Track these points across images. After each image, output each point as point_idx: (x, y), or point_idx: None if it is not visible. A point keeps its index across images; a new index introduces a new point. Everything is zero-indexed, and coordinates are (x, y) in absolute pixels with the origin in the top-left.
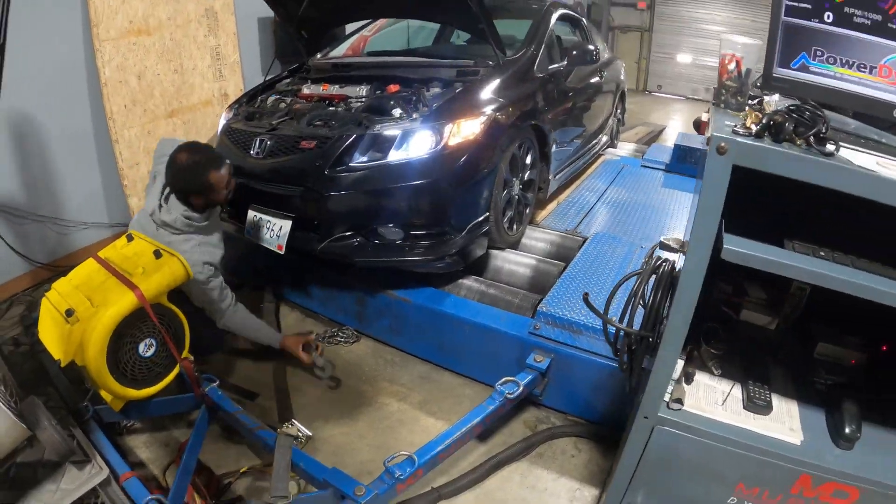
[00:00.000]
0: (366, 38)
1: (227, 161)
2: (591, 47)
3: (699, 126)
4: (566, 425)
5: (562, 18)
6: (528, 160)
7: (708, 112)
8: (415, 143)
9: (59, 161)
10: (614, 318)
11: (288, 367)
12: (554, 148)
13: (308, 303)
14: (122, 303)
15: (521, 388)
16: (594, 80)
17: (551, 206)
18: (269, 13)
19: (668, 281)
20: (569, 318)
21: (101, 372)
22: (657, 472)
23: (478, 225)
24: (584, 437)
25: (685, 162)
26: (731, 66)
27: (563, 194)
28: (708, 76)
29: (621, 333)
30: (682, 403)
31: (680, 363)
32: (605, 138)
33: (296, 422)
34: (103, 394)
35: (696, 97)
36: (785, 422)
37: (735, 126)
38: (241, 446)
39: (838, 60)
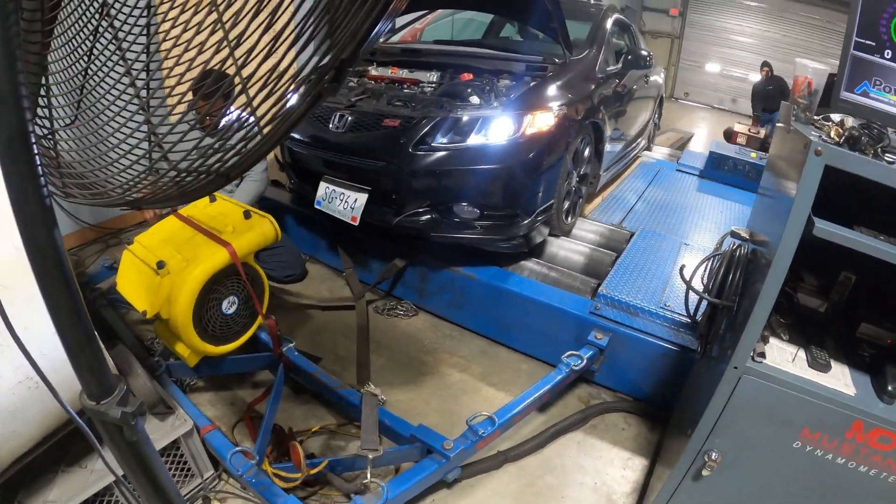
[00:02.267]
0: (418, 29)
1: None
2: (644, 52)
3: (731, 136)
4: (617, 401)
5: (615, 23)
6: (586, 154)
7: (740, 123)
8: (494, 130)
9: None
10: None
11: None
12: (607, 145)
13: (367, 277)
14: (215, 258)
15: (584, 362)
16: (640, 84)
17: (597, 201)
18: None
19: (745, 261)
20: (627, 301)
21: (187, 325)
22: (738, 418)
23: (543, 211)
24: (633, 412)
25: (719, 168)
26: (804, 87)
27: (607, 191)
28: (734, 87)
29: (702, 304)
30: (764, 357)
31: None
32: (644, 141)
33: (372, 385)
34: (179, 349)
35: (721, 107)
36: (840, 379)
37: (820, 136)
38: (308, 406)
39: (893, 90)
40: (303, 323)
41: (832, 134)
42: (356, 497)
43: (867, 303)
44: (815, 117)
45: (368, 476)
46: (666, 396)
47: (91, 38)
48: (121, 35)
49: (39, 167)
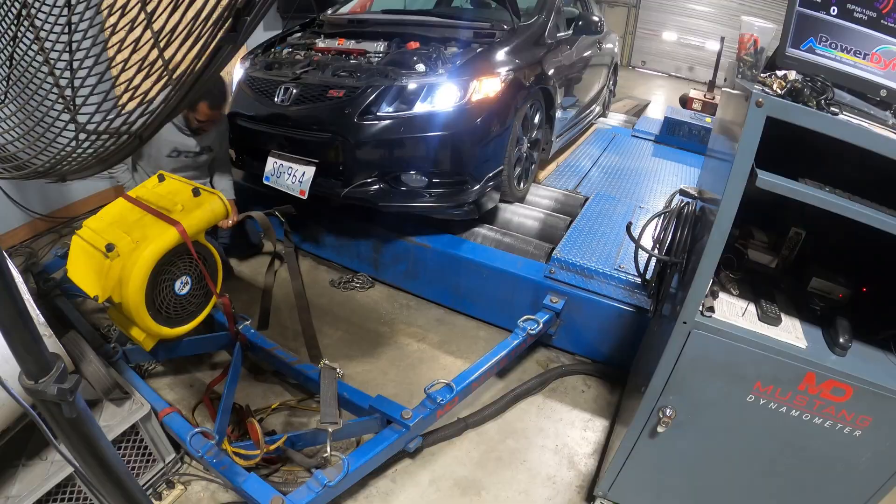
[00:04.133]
0: None
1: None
2: (595, 18)
3: (686, 102)
4: (575, 364)
5: None
6: (537, 120)
7: (695, 89)
8: (440, 97)
9: None
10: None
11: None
12: (558, 111)
13: (320, 251)
14: (164, 238)
15: (541, 326)
16: (593, 50)
17: (551, 168)
18: None
19: (693, 219)
20: (581, 264)
21: (139, 308)
22: (690, 374)
23: (492, 177)
24: (592, 374)
25: (674, 134)
26: (749, 45)
27: (562, 157)
28: (691, 55)
29: (652, 262)
30: (713, 312)
31: (710, 280)
32: (598, 108)
33: (326, 360)
34: (135, 333)
35: (678, 75)
36: (792, 332)
37: (764, 89)
38: (266, 384)
39: (839, 46)
40: (258, 301)
41: (775, 87)
42: (317, 471)
43: (818, 258)
44: (762, 75)
45: (328, 450)
46: (623, 357)
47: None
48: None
49: None
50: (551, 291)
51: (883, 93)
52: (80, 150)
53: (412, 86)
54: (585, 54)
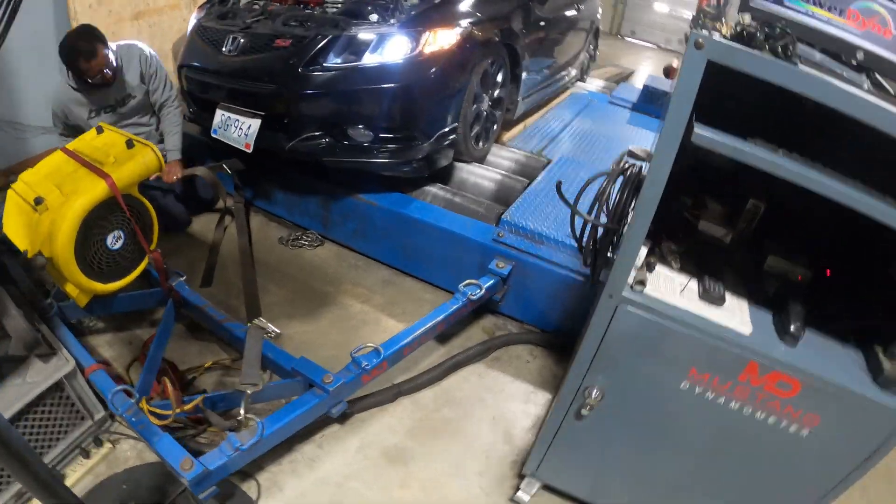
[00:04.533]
0: None
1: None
2: None
3: (669, 72)
4: (522, 333)
5: None
6: (499, 78)
7: (678, 60)
8: (390, 48)
9: (18, 61)
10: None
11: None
12: (524, 71)
13: (272, 207)
14: (93, 191)
15: (483, 291)
16: (570, 12)
17: (518, 129)
18: None
19: (635, 183)
20: (531, 229)
21: (69, 263)
22: (617, 354)
23: (445, 134)
24: (538, 344)
25: (652, 103)
26: None
27: (531, 119)
28: (682, 28)
29: (588, 227)
30: (644, 286)
31: (643, 252)
32: (574, 72)
33: (263, 319)
34: (69, 289)
35: (668, 47)
36: (736, 315)
37: (710, 34)
38: (203, 342)
39: None
40: (229, 256)
41: (723, 31)
42: (230, 434)
43: (779, 235)
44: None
45: (242, 412)
46: (573, 327)
47: None
48: None
49: None
50: (498, 255)
51: (860, 55)
52: None
53: (361, 36)
54: (561, 14)
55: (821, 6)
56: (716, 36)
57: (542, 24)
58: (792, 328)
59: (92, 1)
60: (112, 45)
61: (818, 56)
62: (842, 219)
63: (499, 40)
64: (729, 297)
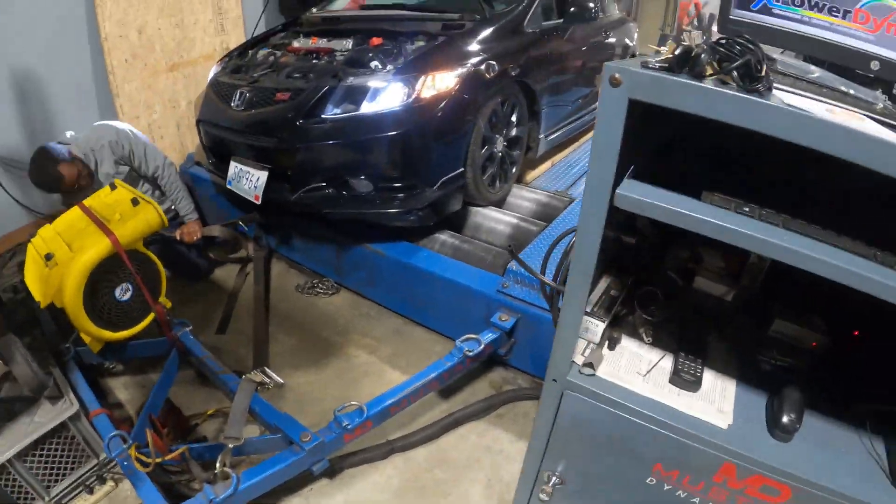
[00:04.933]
0: None
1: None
2: (591, 4)
3: None
4: (530, 388)
5: None
6: (514, 118)
7: None
8: (387, 96)
9: (60, 114)
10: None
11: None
12: (545, 107)
13: (292, 254)
14: (96, 248)
15: (483, 347)
16: (598, 39)
17: (544, 167)
18: None
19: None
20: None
21: (78, 314)
22: (571, 443)
23: (451, 180)
24: None
25: None
26: (691, 10)
27: (559, 156)
28: None
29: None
30: (593, 369)
31: (601, 326)
32: None
33: (267, 369)
34: (83, 335)
35: None
36: (714, 402)
37: (648, 61)
38: (210, 390)
39: (806, 2)
40: (245, 305)
41: (665, 56)
42: (206, 485)
43: (788, 297)
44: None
45: (218, 465)
46: None
47: None
48: None
49: None
50: (503, 307)
51: (875, 65)
52: None
53: (358, 85)
54: (586, 44)
55: (818, 9)
56: (652, 62)
57: (563, 56)
58: (784, 419)
59: (127, 55)
60: (72, 143)
61: (816, 73)
62: None
63: (510, 78)
64: (711, 377)
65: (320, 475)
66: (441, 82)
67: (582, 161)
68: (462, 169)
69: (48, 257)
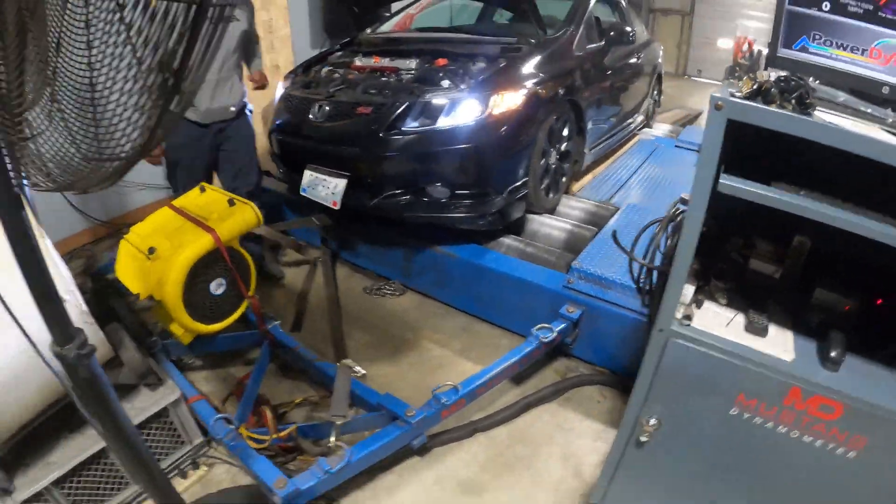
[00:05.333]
0: (411, 15)
1: None
2: (628, 29)
3: None
4: (593, 374)
5: (599, 1)
6: (565, 133)
7: None
8: (462, 111)
9: None
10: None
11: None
12: (590, 123)
13: (356, 259)
14: (199, 243)
15: (555, 334)
16: (631, 60)
17: (587, 179)
18: None
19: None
20: (600, 275)
21: (177, 306)
22: (670, 384)
23: (516, 189)
24: (608, 385)
25: None
26: (745, 48)
27: (599, 168)
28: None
29: (643, 271)
30: (690, 320)
31: (691, 290)
32: (640, 118)
33: (349, 360)
34: (174, 328)
35: None
36: (779, 344)
37: (733, 91)
38: (294, 382)
39: (834, 43)
40: (318, 303)
41: (744, 89)
42: (321, 458)
43: (830, 270)
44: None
45: (333, 440)
46: None
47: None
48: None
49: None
50: (569, 301)
51: (885, 90)
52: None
53: (435, 101)
54: (621, 64)
55: (844, 48)
56: (736, 93)
57: (604, 76)
58: (833, 354)
59: None
60: None
61: (842, 97)
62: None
63: (562, 96)
64: (773, 329)
65: (411, 454)
66: (509, 100)
67: (619, 174)
68: (526, 178)
69: (151, 251)
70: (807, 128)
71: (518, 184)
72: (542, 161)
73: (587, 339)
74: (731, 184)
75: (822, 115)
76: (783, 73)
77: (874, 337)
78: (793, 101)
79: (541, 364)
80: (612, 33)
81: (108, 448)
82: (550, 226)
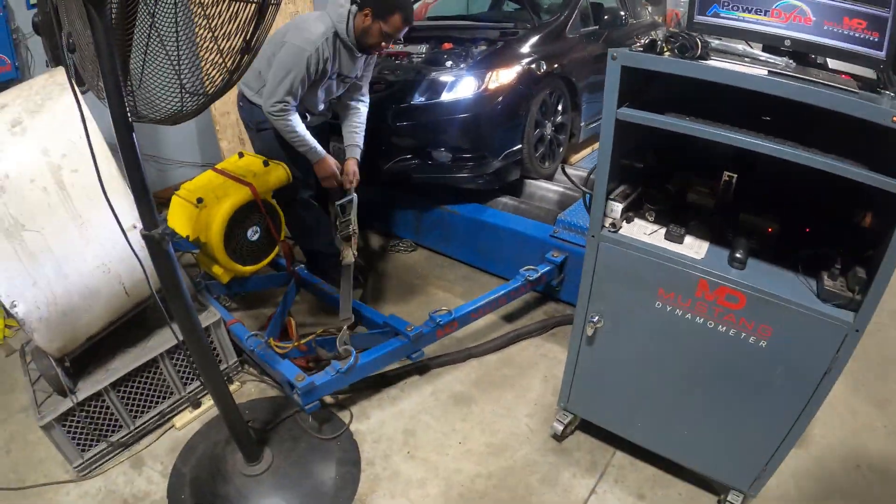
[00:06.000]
0: (427, 4)
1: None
2: (622, 13)
3: None
4: None
5: None
6: (560, 107)
7: None
8: (462, 87)
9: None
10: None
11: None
12: (585, 100)
13: (373, 220)
14: (240, 194)
15: (539, 274)
16: (629, 42)
17: (586, 152)
18: None
19: None
20: (582, 225)
21: (219, 248)
22: (605, 282)
23: (512, 153)
24: None
25: None
26: (673, 18)
27: (597, 143)
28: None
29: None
30: (616, 228)
31: (619, 207)
32: None
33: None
34: (215, 270)
35: None
36: (693, 248)
37: (633, 46)
38: (318, 316)
39: (740, 7)
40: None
41: (639, 44)
42: (333, 361)
43: (754, 201)
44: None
45: (338, 343)
46: None
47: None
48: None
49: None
50: (554, 248)
51: (787, 43)
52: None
53: (440, 79)
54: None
55: (748, 11)
56: (635, 48)
57: (599, 57)
58: (738, 255)
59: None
60: None
61: (741, 48)
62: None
63: (556, 75)
64: (691, 239)
65: (413, 372)
66: (503, 77)
67: None
68: (520, 145)
69: (199, 200)
70: (675, 66)
71: (513, 149)
72: (537, 131)
73: (571, 284)
74: (628, 112)
75: (714, 62)
76: (680, 32)
77: (791, 251)
78: (676, 50)
79: (531, 307)
80: (605, 17)
81: (179, 328)
82: (546, 189)
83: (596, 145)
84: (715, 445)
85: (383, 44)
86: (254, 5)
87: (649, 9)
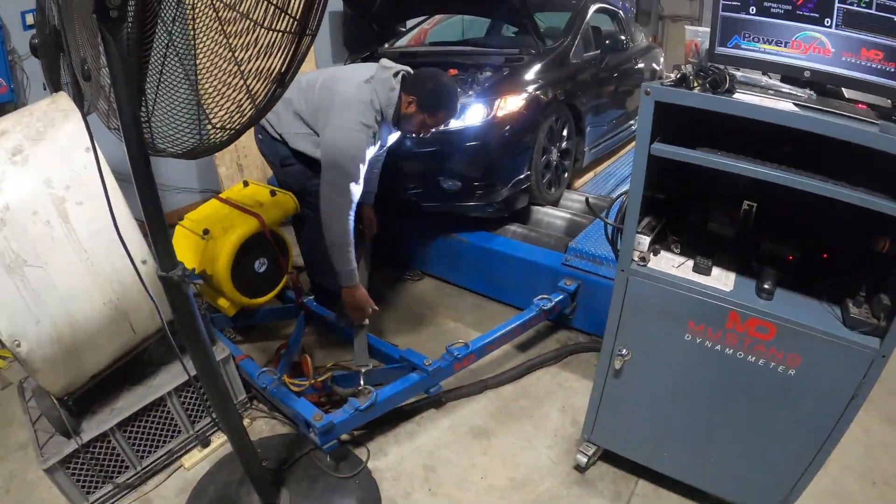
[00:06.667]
0: (426, 30)
1: None
2: (622, 37)
3: None
4: (589, 342)
5: (599, 11)
6: (565, 133)
7: None
8: (470, 114)
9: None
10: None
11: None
12: (588, 125)
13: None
14: (248, 226)
15: (553, 303)
16: (629, 66)
17: (589, 176)
18: (339, 7)
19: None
20: (593, 252)
21: (226, 280)
22: (634, 316)
23: (520, 181)
24: None
25: None
26: (692, 49)
27: (601, 167)
28: None
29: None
30: (646, 262)
31: (647, 240)
32: None
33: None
34: (221, 302)
35: None
36: (720, 280)
37: (663, 81)
38: (328, 349)
39: (761, 39)
40: None
41: (670, 79)
42: (351, 398)
43: (776, 230)
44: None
45: (362, 383)
46: None
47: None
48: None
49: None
50: (566, 276)
51: (807, 74)
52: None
53: None
54: (620, 70)
55: (769, 43)
56: (665, 83)
57: (601, 81)
58: (766, 286)
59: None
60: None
61: (764, 81)
62: (832, 211)
63: (561, 101)
64: (718, 270)
65: (429, 406)
66: (511, 104)
67: (619, 171)
68: (528, 172)
69: (205, 232)
70: (708, 102)
71: (521, 177)
72: (544, 157)
73: (583, 312)
74: (661, 147)
75: (740, 95)
76: (710, 65)
77: (813, 280)
78: (707, 85)
79: (544, 335)
80: (607, 42)
81: (196, 370)
82: (553, 216)
83: (599, 169)
84: (742, 472)
85: (422, 133)
86: (291, 35)
87: (643, 32)
